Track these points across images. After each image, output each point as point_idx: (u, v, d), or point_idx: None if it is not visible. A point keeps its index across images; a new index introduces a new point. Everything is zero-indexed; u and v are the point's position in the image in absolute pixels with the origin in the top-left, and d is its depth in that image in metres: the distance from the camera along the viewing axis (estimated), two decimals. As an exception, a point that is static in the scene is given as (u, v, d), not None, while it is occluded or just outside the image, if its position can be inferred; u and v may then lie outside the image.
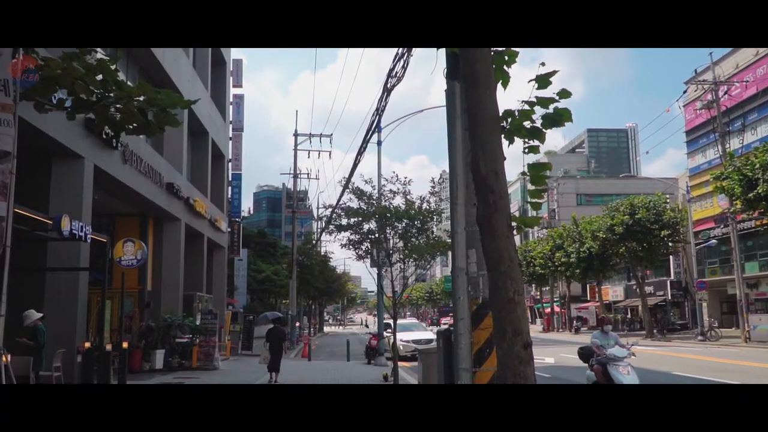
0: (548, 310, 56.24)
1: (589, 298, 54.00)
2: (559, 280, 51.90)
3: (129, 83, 7.76)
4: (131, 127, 7.51)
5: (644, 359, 20.04)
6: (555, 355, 22.34)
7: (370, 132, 12.09)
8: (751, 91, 33.15)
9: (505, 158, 4.13)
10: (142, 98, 7.18)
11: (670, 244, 36.10)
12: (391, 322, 21.85)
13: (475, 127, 4.18)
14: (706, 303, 33.37)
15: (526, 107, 4.09)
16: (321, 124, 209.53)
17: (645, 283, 39.95)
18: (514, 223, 4.21)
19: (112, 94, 7.17)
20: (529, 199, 4.26)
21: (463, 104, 6.00)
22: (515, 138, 4.19)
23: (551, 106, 4.06)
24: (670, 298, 43.63)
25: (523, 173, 4.13)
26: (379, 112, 10.84)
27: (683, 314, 43.69)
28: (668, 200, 37.42)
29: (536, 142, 4.17)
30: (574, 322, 48.69)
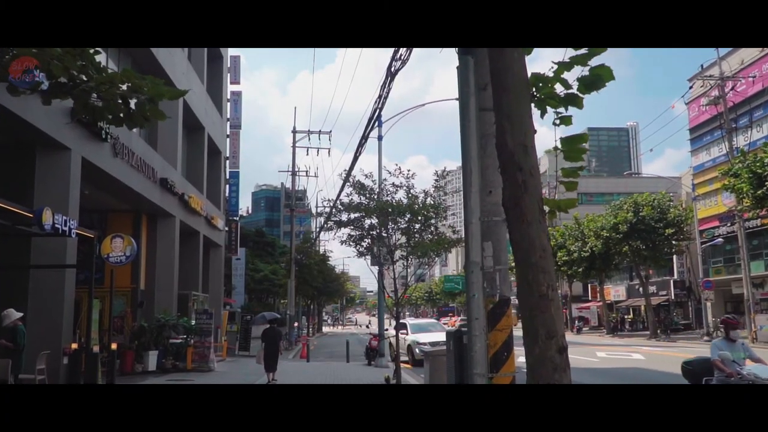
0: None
1: (590, 298, 53.47)
2: (561, 279, 51.32)
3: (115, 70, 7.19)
4: (111, 116, 6.93)
5: (652, 360, 19.51)
6: (560, 356, 21.73)
7: (373, 121, 11.53)
8: (757, 87, 32.63)
9: (535, 131, 3.56)
10: (125, 86, 6.59)
11: (673, 242, 35.53)
12: (405, 321, 21.01)
13: (500, 94, 3.60)
14: (711, 303, 32.84)
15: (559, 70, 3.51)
16: (319, 123, 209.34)
17: (648, 282, 39.42)
18: (546, 207, 3.65)
19: (92, 79, 6.60)
20: (561, 178, 3.69)
21: (478, 81, 5.43)
22: (547, 108, 3.62)
23: (590, 62, 3.46)
24: (673, 298, 43.09)
25: (555, 148, 3.56)
26: (382, 99, 10.28)
27: (687, 314, 43.16)
28: (672, 198, 36.87)
29: (569, 112, 3.60)
30: (576, 321, 48.16)
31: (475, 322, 5.26)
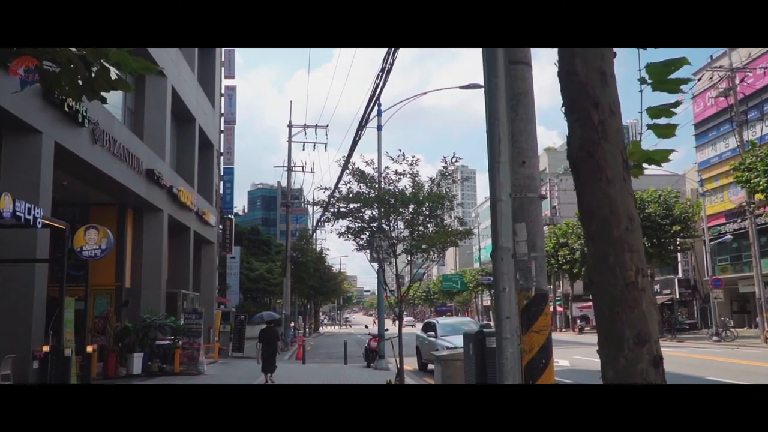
0: (550, 309, 54.72)
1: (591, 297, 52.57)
2: (562, 278, 50.44)
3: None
4: (69, 86, 5.89)
5: (665, 361, 18.56)
6: (568, 357, 20.81)
7: (375, 98, 10.55)
8: (767, 79, 31.72)
9: (614, 54, 2.58)
10: (84, 50, 5.57)
11: (678, 240, 34.55)
12: (433, 321, 19.25)
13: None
14: (719, 302, 31.90)
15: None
16: (316, 122, 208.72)
17: (652, 281, 38.50)
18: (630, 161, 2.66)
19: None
20: (650, 121, 2.69)
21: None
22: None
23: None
24: (677, 297, 42.16)
25: (642, 80, 2.56)
26: (385, 72, 9.29)
27: (691, 314, 42.26)
28: (678, 195, 35.92)
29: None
30: (578, 321, 47.27)
31: (506, 321, 4.23)
